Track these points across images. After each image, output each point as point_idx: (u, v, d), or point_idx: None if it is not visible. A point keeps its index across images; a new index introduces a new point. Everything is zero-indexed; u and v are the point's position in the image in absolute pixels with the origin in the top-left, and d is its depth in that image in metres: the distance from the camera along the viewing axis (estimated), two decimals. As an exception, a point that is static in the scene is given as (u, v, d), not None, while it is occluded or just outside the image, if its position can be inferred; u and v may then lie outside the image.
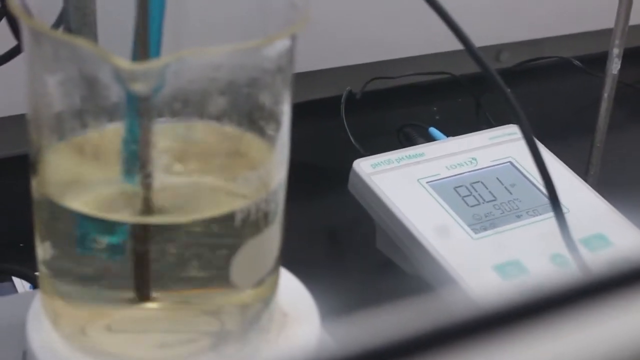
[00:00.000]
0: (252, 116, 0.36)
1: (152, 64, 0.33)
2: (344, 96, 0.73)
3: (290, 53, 0.35)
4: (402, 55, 0.81)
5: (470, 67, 0.76)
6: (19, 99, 0.57)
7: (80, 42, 0.32)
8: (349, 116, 0.72)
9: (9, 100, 0.65)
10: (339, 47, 0.78)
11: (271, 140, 0.36)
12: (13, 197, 0.65)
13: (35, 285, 0.53)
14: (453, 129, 0.67)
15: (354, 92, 0.75)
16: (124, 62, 0.31)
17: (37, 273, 0.51)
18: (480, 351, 0.20)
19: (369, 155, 0.62)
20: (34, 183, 0.37)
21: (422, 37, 0.81)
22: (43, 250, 0.37)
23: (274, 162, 0.37)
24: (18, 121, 0.65)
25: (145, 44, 0.34)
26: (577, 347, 0.20)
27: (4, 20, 0.48)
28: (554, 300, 0.21)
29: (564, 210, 0.48)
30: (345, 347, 0.20)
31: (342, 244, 0.65)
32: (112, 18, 0.40)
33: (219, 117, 0.35)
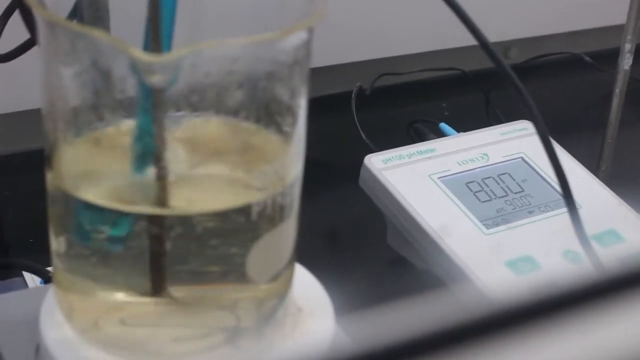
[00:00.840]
0: (268, 109, 0.35)
1: (170, 56, 0.32)
2: (354, 92, 0.73)
3: (307, 46, 0.35)
4: (411, 51, 0.81)
5: (479, 63, 0.75)
6: (27, 95, 0.57)
7: (98, 34, 0.31)
8: (359, 112, 0.71)
9: (17, 96, 0.65)
10: (349, 43, 0.78)
11: (288, 133, 0.36)
12: (23, 194, 0.65)
13: (45, 280, 0.52)
14: (462, 125, 0.67)
15: (364, 88, 0.75)
16: (142, 54, 0.31)
17: (48, 268, 0.51)
18: (493, 349, 0.20)
19: (379, 151, 0.61)
20: (49, 176, 0.37)
21: (432, 33, 0.81)
22: (57, 244, 0.37)
23: (290, 156, 0.36)
24: (27, 117, 0.65)
25: (157, 37, 0.34)
26: (589, 346, 0.20)
27: (14, 17, 0.48)
28: (567, 298, 0.21)
29: (577, 206, 0.48)
30: (359, 345, 0.19)
31: (353, 239, 0.65)
32: (125, 12, 0.40)
33: (235, 110, 0.35)
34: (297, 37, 0.34)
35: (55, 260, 0.38)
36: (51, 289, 0.39)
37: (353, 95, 0.73)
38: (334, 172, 0.71)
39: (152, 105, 0.34)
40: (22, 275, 0.55)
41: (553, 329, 0.20)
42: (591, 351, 0.20)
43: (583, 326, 0.20)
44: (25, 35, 0.49)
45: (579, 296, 0.21)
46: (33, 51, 0.50)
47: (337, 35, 0.75)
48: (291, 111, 0.36)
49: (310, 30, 0.35)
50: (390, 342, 0.19)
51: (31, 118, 0.60)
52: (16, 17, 0.48)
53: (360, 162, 0.60)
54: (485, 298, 0.21)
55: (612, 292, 0.21)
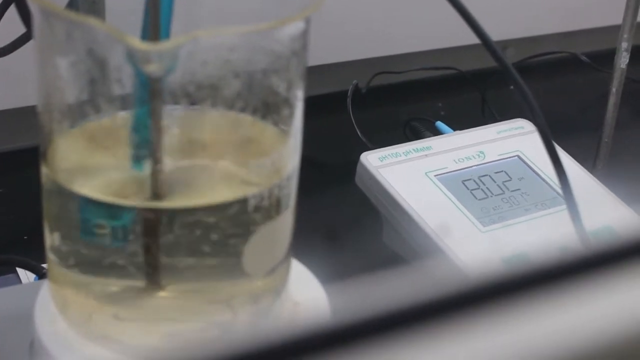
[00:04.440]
0: (265, 101, 0.35)
1: (166, 44, 0.32)
2: (350, 90, 0.73)
3: (304, 37, 0.34)
4: (408, 50, 0.81)
5: (476, 63, 0.76)
6: (21, 92, 0.57)
7: (94, 22, 0.31)
8: (355, 111, 0.71)
9: (11, 93, 0.65)
10: (345, 41, 0.78)
11: (285, 126, 0.36)
12: (18, 191, 0.65)
13: (40, 276, 0.52)
14: (458, 124, 0.67)
15: (360, 87, 0.75)
16: (138, 42, 0.31)
17: (42, 265, 0.51)
18: (472, 325, 0.19)
19: (375, 149, 0.61)
20: (44, 171, 0.36)
21: (428, 32, 0.80)
22: (52, 238, 0.37)
23: (287, 149, 0.36)
24: (21, 114, 0.65)
25: (155, 26, 0.34)
26: (572, 322, 0.20)
27: (9, 12, 0.48)
28: (547, 273, 0.21)
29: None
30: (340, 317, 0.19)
31: (348, 237, 0.65)
32: (120, 6, 0.40)
33: (232, 102, 0.35)
34: (295, 27, 0.34)
35: (49, 254, 0.38)
36: (45, 284, 0.39)
37: (349, 94, 0.73)
38: (330, 170, 0.70)
39: (148, 96, 0.33)
40: (15, 272, 0.54)
41: (533, 305, 0.20)
42: (575, 327, 0.20)
43: (569, 301, 0.20)
44: (18, 32, 0.49)
45: (559, 272, 0.21)
46: (26, 48, 0.50)
47: (333, 33, 0.75)
48: (288, 103, 0.35)
49: (308, 21, 0.34)
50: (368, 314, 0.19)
51: (26, 115, 0.60)
52: (10, 12, 0.48)
53: (356, 160, 0.60)
54: (463, 274, 0.21)
55: (594, 268, 0.21)
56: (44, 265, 0.50)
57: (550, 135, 0.45)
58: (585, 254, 0.22)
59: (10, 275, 0.54)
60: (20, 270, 0.54)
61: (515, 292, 0.21)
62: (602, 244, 0.22)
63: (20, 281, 0.54)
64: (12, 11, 0.47)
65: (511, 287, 0.21)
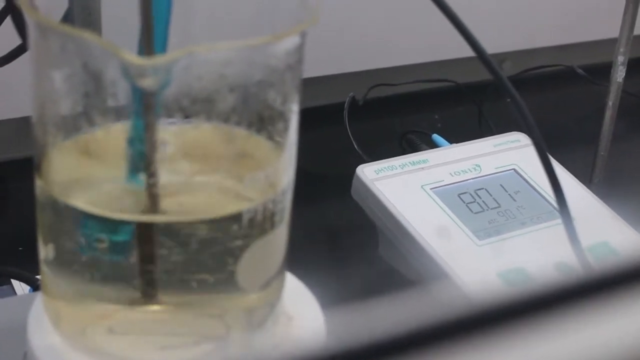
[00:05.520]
0: (260, 115, 0.35)
1: (161, 59, 0.32)
2: (347, 103, 0.73)
3: (299, 51, 0.34)
4: (404, 63, 0.81)
5: (472, 75, 0.76)
6: (16, 103, 0.57)
7: (89, 36, 0.31)
8: (351, 123, 0.71)
9: (5, 104, 0.65)
10: (342, 53, 0.78)
11: (279, 140, 0.36)
12: (12, 201, 0.65)
13: (34, 288, 0.52)
14: (455, 137, 0.67)
15: (357, 99, 0.75)
16: (133, 57, 0.31)
17: (37, 276, 0.51)
18: (476, 349, 0.19)
19: (371, 161, 0.61)
20: (38, 183, 0.36)
21: (425, 45, 0.80)
22: (46, 251, 0.37)
23: (281, 163, 0.36)
24: (16, 124, 0.65)
25: (150, 40, 0.34)
26: (574, 346, 0.20)
27: (5, 24, 0.48)
28: (550, 298, 0.21)
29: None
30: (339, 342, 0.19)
31: (344, 250, 0.65)
32: (117, 18, 0.40)
33: (227, 116, 0.35)
34: (290, 42, 0.34)
35: (43, 267, 0.38)
36: (39, 296, 0.39)
37: (346, 106, 0.73)
38: (326, 182, 0.70)
39: (143, 110, 0.33)
40: (10, 284, 0.54)
41: (537, 328, 0.20)
42: (576, 350, 0.20)
43: (569, 325, 0.20)
44: (13, 44, 0.49)
45: (562, 296, 0.21)
46: (21, 59, 0.50)
47: (330, 46, 0.75)
48: (283, 117, 0.35)
49: (303, 35, 0.34)
50: (370, 339, 0.19)
51: (20, 126, 0.60)
52: (6, 24, 0.48)
53: (352, 172, 0.60)
54: (468, 298, 0.21)
55: (597, 292, 0.21)
56: (39, 277, 0.50)
57: (546, 148, 0.45)
58: (587, 277, 0.22)
59: (5, 287, 0.54)
60: (15, 282, 0.54)
61: (516, 317, 0.20)
62: (604, 267, 0.22)
63: (15, 293, 0.54)
64: (7, 23, 0.47)
65: (512, 312, 0.21)
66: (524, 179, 0.61)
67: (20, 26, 0.44)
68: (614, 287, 0.21)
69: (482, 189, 0.60)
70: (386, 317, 0.19)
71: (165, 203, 0.35)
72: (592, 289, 0.21)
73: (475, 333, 0.20)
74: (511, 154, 0.63)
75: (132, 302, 0.36)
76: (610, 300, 0.21)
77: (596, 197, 0.61)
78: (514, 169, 0.62)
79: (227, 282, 0.36)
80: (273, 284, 0.37)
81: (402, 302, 0.20)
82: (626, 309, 0.21)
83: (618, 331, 0.21)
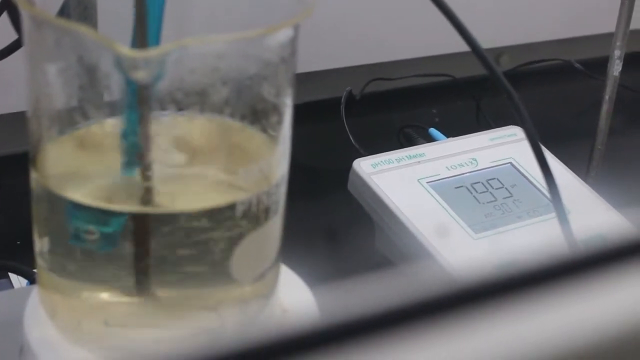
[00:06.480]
0: (254, 108, 0.35)
1: (154, 51, 0.32)
2: (343, 97, 0.73)
3: (293, 44, 0.35)
4: (402, 57, 0.81)
5: (470, 70, 0.76)
6: (16, 97, 0.57)
7: (83, 29, 0.31)
8: (348, 117, 0.71)
9: (6, 98, 0.65)
10: (339, 48, 0.78)
11: (273, 133, 0.36)
12: (10, 196, 0.65)
13: (31, 281, 0.52)
14: (453, 131, 0.67)
15: (354, 93, 0.75)
16: (126, 49, 0.31)
17: (34, 270, 0.51)
18: (461, 326, 0.20)
19: (368, 155, 0.61)
20: (34, 176, 0.36)
21: (422, 39, 0.80)
22: (41, 244, 0.37)
23: (275, 155, 0.36)
24: (14, 119, 0.65)
25: (143, 33, 0.34)
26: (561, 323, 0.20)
27: (1, 20, 0.48)
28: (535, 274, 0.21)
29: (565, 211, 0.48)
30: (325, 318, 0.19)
31: (341, 244, 0.65)
32: (112, 13, 0.40)
33: (221, 108, 0.35)
34: (283, 34, 0.34)
35: (39, 260, 0.38)
36: (36, 290, 0.39)
37: (343, 100, 0.73)
38: (323, 176, 0.70)
39: (137, 103, 0.34)
40: (8, 277, 0.55)
41: (521, 307, 0.20)
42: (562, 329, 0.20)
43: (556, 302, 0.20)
44: (9, 39, 0.49)
45: (548, 273, 0.21)
46: (16, 54, 0.50)
47: (326, 40, 0.75)
48: (277, 110, 0.36)
49: (297, 28, 0.34)
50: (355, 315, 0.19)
51: (17, 121, 0.60)
52: (2, 20, 0.48)
53: (349, 166, 0.60)
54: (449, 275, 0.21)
55: (582, 270, 0.21)
56: (36, 270, 0.50)
57: (539, 141, 0.45)
58: (572, 257, 0.22)
59: (3, 281, 0.54)
60: (12, 276, 0.54)
61: (503, 294, 0.21)
62: (589, 248, 0.22)
63: (12, 286, 0.54)
64: (4, 18, 0.47)
65: (499, 289, 0.21)
66: (521, 173, 0.61)
67: (16, 21, 0.44)
68: (597, 266, 0.21)
69: (479, 182, 0.60)
70: (371, 293, 0.20)
71: (159, 195, 0.35)
72: (575, 268, 0.21)
73: (460, 310, 0.20)
74: (507, 147, 0.63)
75: (127, 295, 0.37)
76: (593, 279, 0.21)
77: (592, 191, 0.61)
78: (510, 163, 0.62)
79: (221, 273, 0.36)
80: (267, 276, 0.37)
81: (387, 281, 0.20)
82: (609, 288, 0.21)
83: (601, 309, 0.21)
